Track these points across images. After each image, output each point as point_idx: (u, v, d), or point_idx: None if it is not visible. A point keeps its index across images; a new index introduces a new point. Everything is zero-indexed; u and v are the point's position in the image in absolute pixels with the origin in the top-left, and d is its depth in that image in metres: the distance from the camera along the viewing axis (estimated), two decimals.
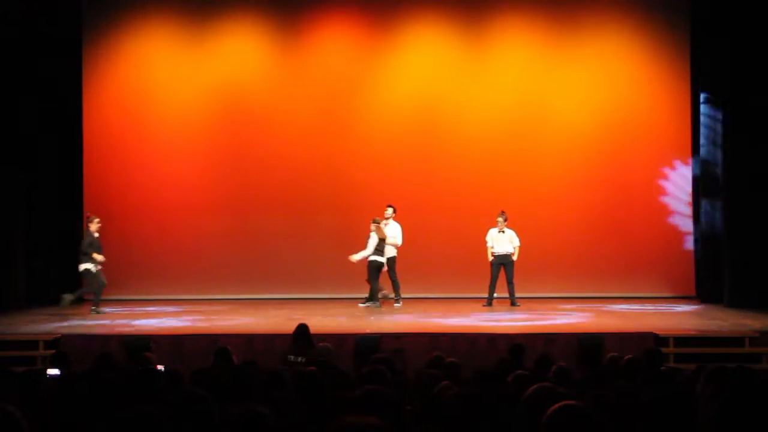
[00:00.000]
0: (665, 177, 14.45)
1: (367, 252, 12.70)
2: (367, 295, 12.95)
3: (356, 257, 12.75)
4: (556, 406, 2.82)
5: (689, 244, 14.21)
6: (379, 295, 12.78)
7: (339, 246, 14.20)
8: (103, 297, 13.98)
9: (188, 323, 11.21)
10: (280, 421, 3.45)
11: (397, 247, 12.92)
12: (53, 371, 6.12)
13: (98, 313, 12.12)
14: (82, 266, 12.19)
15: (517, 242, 12.80)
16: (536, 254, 13.41)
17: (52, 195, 13.97)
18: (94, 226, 12.28)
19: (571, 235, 14.33)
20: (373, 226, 12.82)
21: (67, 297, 12.10)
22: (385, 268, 12.89)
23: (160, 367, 6.06)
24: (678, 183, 14.38)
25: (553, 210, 14.37)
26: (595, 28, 14.61)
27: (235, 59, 14.69)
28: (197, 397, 3.56)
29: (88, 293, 12.56)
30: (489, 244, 12.87)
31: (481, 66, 14.74)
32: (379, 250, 12.76)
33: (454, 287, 14.02)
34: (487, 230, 12.91)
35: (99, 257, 12.17)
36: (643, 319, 11.34)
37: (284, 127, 14.62)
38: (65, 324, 11.12)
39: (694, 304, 13.27)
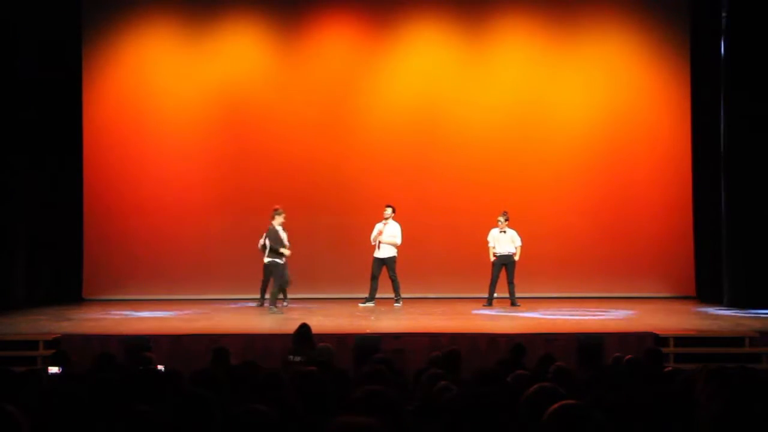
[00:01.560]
0: (665, 176, 14.43)
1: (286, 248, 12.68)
2: (367, 294, 12.96)
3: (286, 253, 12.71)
4: (556, 405, 2.82)
5: (689, 244, 14.18)
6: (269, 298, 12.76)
7: (339, 246, 14.23)
8: (104, 297, 14.05)
9: (188, 323, 11.20)
10: (280, 421, 3.45)
11: (396, 247, 12.93)
12: (54, 370, 6.13)
13: (273, 311, 12.04)
14: (267, 259, 12.22)
15: (518, 242, 12.80)
16: (536, 254, 13.40)
17: (53, 195, 13.96)
18: (278, 220, 12.24)
19: (571, 235, 14.33)
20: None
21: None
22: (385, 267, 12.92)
23: (160, 367, 6.06)
24: (678, 182, 14.35)
25: (553, 210, 14.37)
26: (595, 27, 14.62)
27: (235, 59, 14.69)
28: (198, 397, 3.56)
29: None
30: (490, 244, 12.87)
31: (481, 66, 14.75)
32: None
33: (454, 287, 14.02)
34: (488, 230, 12.91)
35: (285, 251, 12.14)
36: (643, 319, 11.34)
37: (284, 127, 14.62)
38: (65, 324, 11.13)
39: (694, 304, 13.27)
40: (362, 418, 2.59)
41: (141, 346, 8.79)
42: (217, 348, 7.07)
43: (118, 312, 12.35)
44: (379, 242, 12.91)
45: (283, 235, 12.44)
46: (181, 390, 4.27)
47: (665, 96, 14.52)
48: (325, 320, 11.05)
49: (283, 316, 11.79)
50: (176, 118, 14.63)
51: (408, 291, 13.23)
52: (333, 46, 14.75)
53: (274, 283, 12.33)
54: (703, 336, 10.11)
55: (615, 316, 11.62)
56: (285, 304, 12.75)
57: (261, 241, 12.83)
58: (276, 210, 12.38)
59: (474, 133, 14.56)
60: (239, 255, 13.79)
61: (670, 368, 6.91)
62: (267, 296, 12.62)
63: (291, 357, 7.94)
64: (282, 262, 12.26)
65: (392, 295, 13.00)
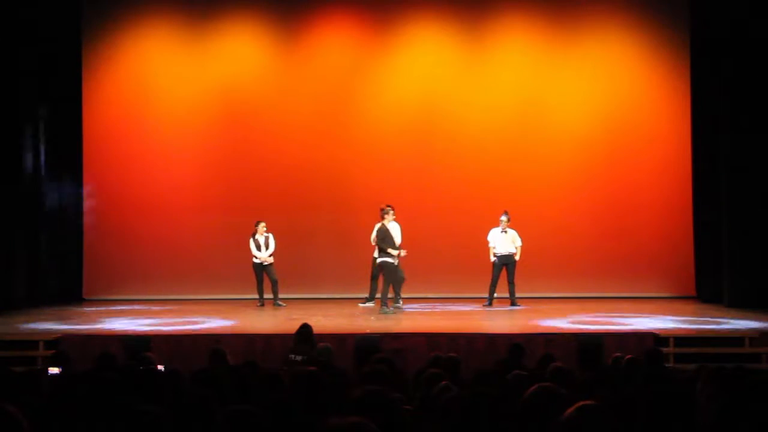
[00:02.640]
0: (665, 176, 14.43)
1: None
2: (367, 295, 12.96)
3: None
4: (575, 407, 2.81)
5: (689, 243, 14.17)
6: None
7: (339, 246, 14.24)
8: (104, 297, 14.06)
9: (188, 323, 11.20)
10: (278, 422, 3.45)
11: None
12: (54, 370, 6.13)
13: (398, 309, 12.00)
14: (380, 259, 12.14)
15: (519, 242, 12.79)
16: (536, 254, 13.38)
17: (53, 195, 13.96)
18: (389, 218, 12.15)
19: (571, 235, 14.31)
20: (263, 227, 13.06)
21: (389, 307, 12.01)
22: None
23: (160, 367, 6.06)
24: (678, 183, 14.35)
25: (553, 210, 14.36)
26: (595, 28, 14.61)
27: (234, 59, 14.69)
28: (197, 397, 3.56)
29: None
30: (491, 245, 12.86)
31: (481, 66, 14.74)
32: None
33: (454, 287, 14.01)
34: (488, 230, 12.90)
35: (394, 251, 12.03)
36: (643, 319, 11.34)
37: (284, 127, 14.62)
38: (65, 324, 11.13)
39: (694, 304, 13.26)
40: (354, 418, 2.59)
41: (141, 346, 8.79)
42: (213, 349, 7.09)
43: (118, 312, 12.35)
44: None
45: (396, 234, 12.39)
46: (180, 390, 4.28)
47: (665, 96, 14.51)
48: (325, 320, 11.06)
49: (395, 315, 11.81)
50: (176, 119, 14.63)
51: (408, 291, 13.21)
52: (333, 46, 14.75)
53: (385, 282, 12.13)
54: (703, 336, 10.11)
55: (615, 316, 11.59)
56: (400, 304, 12.44)
57: (252, 244, 13.03)
58: (383, 209, 12.22)
59: (473, 133, 14.55)
60: (239, 255, 13.76)
61: (669, 368, 6.92)
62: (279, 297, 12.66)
63: (292, 356, 7.96)
64: (393, 261, 12.10)
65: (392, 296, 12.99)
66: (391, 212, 12.23)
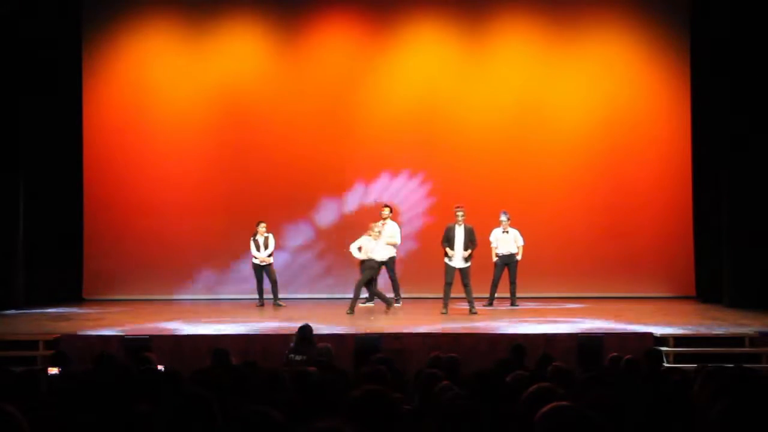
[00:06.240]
0: (665, 176, 14.43)
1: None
2: (367, 295, 12.95)
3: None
4: (548, 407, 2.80)
5: (689, 244, 14.18)
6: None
7: (339, 246, 14.22)
8: (104, 297, 14.08)
9: (188, 323, 11.20)
10: (285, 423, 3.45)
11: (396, 247, 12.92)
12: (53, 371, 6.13)
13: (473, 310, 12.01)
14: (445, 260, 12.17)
15: (521, 242, 12.80)
16: (536, 254, 13.39)
17: (52, 195, 13.95)
18: (460, 219, 12.05)
19: (571, 235, 14.32)
20: (264, 228, 13.11)
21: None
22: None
23: (160, 367, 6.07)
24: (678, 183, 14.35)
25: (553, 210, 14.37)
26: (595, 27, 14.61)
27: (234, 58, 14.69)
28: (197, 396, 3.56)
29: None
30: (493, 245, 12.87)
31: (481, 66, 14.74)
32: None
33: (455, 287, 13.99)
34: (488, 230, 12.89)
35: (450, 251, 11.99)
36: (643, 319, 11.33)
37: (284, 127, 14.62)
38: (65, 324, 11.13)
39: (694, 304, 13.26)
40: (332, 422, 2.57)
41: (141, 346, 8.79)
42: (217, 349, 7.09)
43: (118, 312, 12.34)
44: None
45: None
46: (180, 390, 4.27)
47: (665, 96, 14.52)
48: (325, 320, 11.05)
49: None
50: (176, 118, 14.63)
51: (408, 291, 13.22)
52: (333, 45, 14.75)
53: (465, 286, 12.07)
54: (703, 336, 10.11)
55: (615, 316, 11.58)
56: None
57: (252, 244, 13.01)
58: (457, 207, 12.15)
59: (473, 132, 14.55)
60: (239, 255, 13.78)
61: (669, 368, 6.92)
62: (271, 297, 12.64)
63: (292, 356, 7.97)
64: (447, 262, 12.08)
65: (392, 295, 12.99)
66: (459, 212, 12.12)
